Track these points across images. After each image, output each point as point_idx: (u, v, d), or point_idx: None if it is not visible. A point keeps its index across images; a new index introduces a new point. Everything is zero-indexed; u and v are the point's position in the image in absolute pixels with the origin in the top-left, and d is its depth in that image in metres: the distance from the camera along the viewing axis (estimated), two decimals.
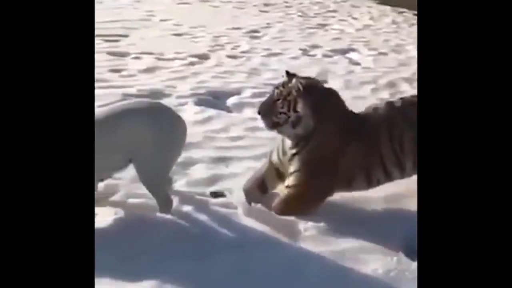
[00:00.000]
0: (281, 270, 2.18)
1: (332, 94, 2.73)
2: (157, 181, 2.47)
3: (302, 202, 2.59)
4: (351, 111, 2.74)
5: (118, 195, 2.69)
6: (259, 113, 2.67)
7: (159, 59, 5.59)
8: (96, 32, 6.59)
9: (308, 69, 5.50)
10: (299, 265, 2.22)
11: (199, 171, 3.08)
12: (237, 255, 2.24)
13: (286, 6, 9.68)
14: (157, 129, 2.38)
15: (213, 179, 2.99)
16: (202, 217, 2.51)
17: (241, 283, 2.10)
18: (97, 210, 2.53)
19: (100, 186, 2.64)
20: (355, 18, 8.91)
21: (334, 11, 9.53)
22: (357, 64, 6.00)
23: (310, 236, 2.44)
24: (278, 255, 2.27)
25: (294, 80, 2.62)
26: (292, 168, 2.61)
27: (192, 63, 5.53)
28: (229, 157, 3.27)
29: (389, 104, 2.77)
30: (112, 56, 5.57)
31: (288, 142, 2.66)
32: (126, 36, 6.54)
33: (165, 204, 2.48)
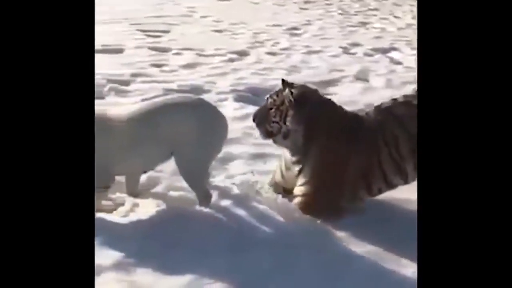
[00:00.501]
0: (319, 268, 2.17)
1: (326, 105, 2.64)
2: (197, 175, 2.51)
3: (312, 212, 2.55)
4: (349, 119, 2.65)
5: (159, 187, 2.74)
6: (253, 120, 2.67)
7: (199, 55, 5.65)
8: (139, 27, 6.73)
9: (348, 67, 5.45)
10: (337, 264, 2.21)
11: (237, 167, 3.10)
12: (275, 252, 2.25)
13: (327, 4, 9.59)
14: (199, 124, 2.42)
15: None
16: (241, 212, 2.53)
17: (278, 280, 2.10)
18: (140, 201, 2.60)
19: (143, 178, 2.70)
20: (397, 17, 8.74)
21: (375, 9, 9.38)
22: (399, 63, 5.89)
23: (344, 236, 2.42)
24: (316, 253, 2.26)
25: (287, 90, 2.58)
26: (299, 182, 2.59)
27: (231, 60, 5.56)
28: (267, 153, 3.27)
29: (378, 107, 2.71)
30: (154, 51, 5.67)
31: (289, 156, 2.63)
32: (167, 31, 6.64)
33: (204, 198, 2.52)
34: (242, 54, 5.80)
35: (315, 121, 2.55)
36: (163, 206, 2.56)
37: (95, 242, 2.16)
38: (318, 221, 2.51)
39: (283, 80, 2.69)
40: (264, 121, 2.61)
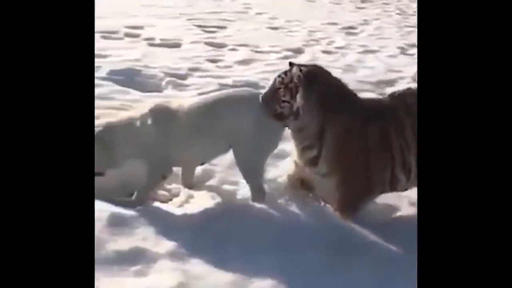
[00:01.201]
0: (371, 269, 2.13)
1: (339, 84, 2.50)
2: (254, 169, 2.52)
3: (349, 208, 2.48)
4: (364, 100, 2.56)
5: (214, 180, 2.78)
6: (261, 100, 2.48)
7: (254, 51, 5.68)
8: (197, 22, 6.85)
9: (405, 68, 5.32)
10: (391, 266, 2.16)
11: (288, 164, 3.09)
12: (328, 252, 2.23)
13: (384, 3, 9.41)
14: (259, 118, 2.43)
15: None
16: (294, 209, 2.52)
17: (328, 281, 2.08)
18: (195, 193, 2.65)
19: (198, 170, 2.75)
20: None
21: None
22: None
23: (398, 238, 2.36)
24: (372, 256, 2.22)
25: (295, 68, 2.44)
26: (319, 170, 2.49)
27: (286, 57, 5.54)
28: None
29: (391, 95, 2.61)
30: (210, 47, 5.75)
31: (299, 142, 2.52)
32: (224, 27, 6.72)
33: (258, 193, 2.52)
34: (297, 51, 5.78)
35: (328, 99, 2.42)
36: (217, 199, 2.59)
37: (152, 230, 2.23)
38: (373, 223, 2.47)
39: (290, 63, 2.54)
40: (273, 101, 2.44)
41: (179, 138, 2.45)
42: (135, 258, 2.03)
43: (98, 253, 2.01)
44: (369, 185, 2.49)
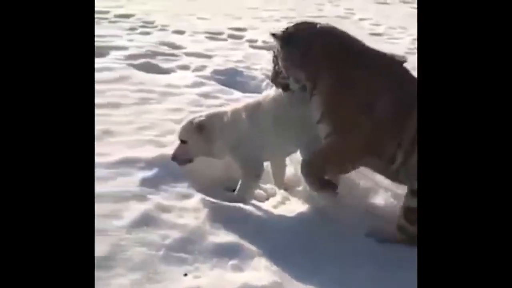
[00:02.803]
0: None
1: (325, 33, 2.35)
2: None
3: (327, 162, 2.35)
4: (361, 45, 2.36)
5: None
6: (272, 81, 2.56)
7: None
8: None
9: None
10: None
11: None
12: None
13: None
14: None
15: None
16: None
17: None
18: (291, 195, 2.69)
19: (290, 173, 2.78)
20: None
21: None
22: None
23: None
24: None
25: (272, 38, 2.41)
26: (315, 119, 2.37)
27: None
28: None
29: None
30: None
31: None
32: None
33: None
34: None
35: (310, 52, 2.32)
36: (312, 203, 2.60)
37: (250, 227, 2.31)
38: None
39: (272, 34, 2.44)
40: (276, 79, 2.49)
41: (266, 133, 2.52)
42: (233, 253, 2.11)
43: (200, 243, 2.13)
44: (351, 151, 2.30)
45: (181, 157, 2.61)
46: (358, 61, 2.30)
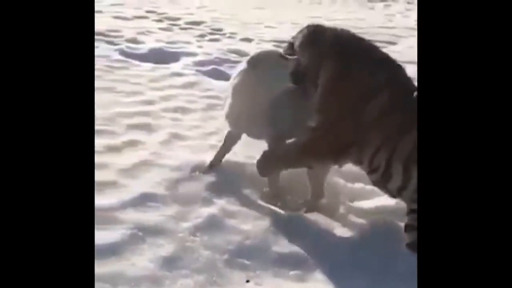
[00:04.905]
0: None
1: (342, 30, 2.48)
2: None
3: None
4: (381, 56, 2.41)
5: (375, 200, 2.74)
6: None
7: None
8: (366, 37, 6.80)
9: None
10: None
11: None
12: None
13: None
14: None
15: None
16: None
17: None
18: (354, 209, 2.65)
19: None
20: None
21: None
22: None
23: None
24: None
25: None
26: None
27: None
28: None
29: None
30: None
31: None
32: (394, 43, 6.58)
33: None
34: None
35: (322, 39, 2.46)
36: (375, 217, 2.55)
37: (311, 239, 2.31)
38: None
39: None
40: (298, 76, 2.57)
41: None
42: (294, 263, 2.13)
43: (262, 251, 2.16)
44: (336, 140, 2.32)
45: None
46: (362, 57, 2.36)
